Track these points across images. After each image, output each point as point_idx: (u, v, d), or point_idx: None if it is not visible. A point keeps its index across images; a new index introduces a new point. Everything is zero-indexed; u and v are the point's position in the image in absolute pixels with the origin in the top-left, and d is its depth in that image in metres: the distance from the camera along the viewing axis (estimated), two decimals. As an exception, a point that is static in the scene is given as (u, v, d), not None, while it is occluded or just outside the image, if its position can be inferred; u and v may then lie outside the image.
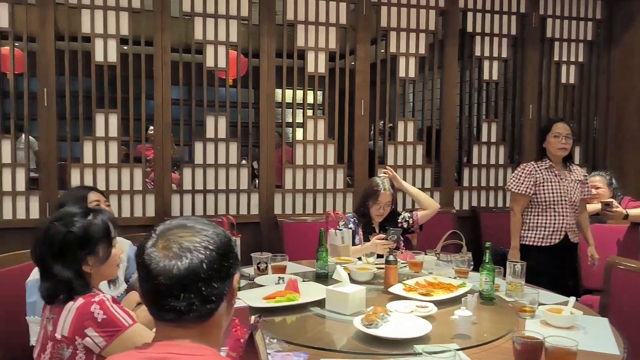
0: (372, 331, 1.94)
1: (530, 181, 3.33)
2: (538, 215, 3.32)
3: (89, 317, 1.57)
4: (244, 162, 4.30)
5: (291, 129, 4.40)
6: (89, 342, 1.57)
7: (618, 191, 3.95)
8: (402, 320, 2.05)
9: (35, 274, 2.14)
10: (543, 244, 3.30)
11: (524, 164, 3.44)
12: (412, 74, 4.53)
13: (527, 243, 3.33)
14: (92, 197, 2.36)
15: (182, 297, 1.04)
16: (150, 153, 4.18)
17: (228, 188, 4.15)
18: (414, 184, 4.54)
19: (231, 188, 4.16)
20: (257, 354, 1.47)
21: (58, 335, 1.58)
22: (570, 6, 4.90)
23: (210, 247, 1.07)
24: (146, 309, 1.90)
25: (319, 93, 4.39)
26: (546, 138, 3.37)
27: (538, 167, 3.36)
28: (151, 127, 4.29)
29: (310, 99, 4.31)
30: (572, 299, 2.20)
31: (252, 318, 1.69)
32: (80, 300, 1.60)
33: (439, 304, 2.26)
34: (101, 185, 3.80)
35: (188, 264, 1.04)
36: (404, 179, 4.49)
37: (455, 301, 2.34)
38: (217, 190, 4.13)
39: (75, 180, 3.84)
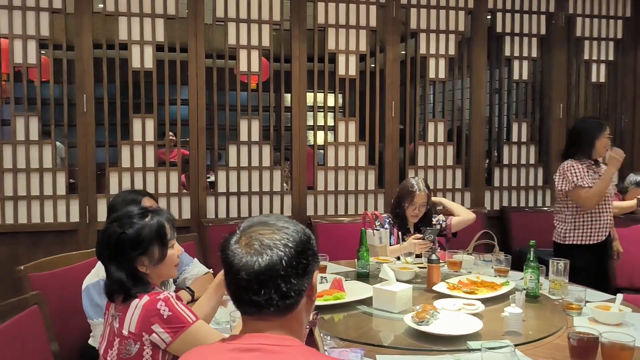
0: (424, 328, 1.97)
1: (587, 175, 3.26)
2: (585, 214, 3.29)
3: (155, 314, 1.62)
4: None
5: (318, 131, 4.39)
6: (155, 338, 1.62)
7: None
8: (452, 317, 2.07)
9: (89, 279, 2.21)
10: (591, 242, 3.28)
11: (570, 162, 3.29)
12: (441, 74, 4.55)
13: (574, 242, 3.30)
14: (146, 203, 2.41)
15: (262, 292, 1.09)
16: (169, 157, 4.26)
17: (261, 190, 4.20)
18: (444, 185, 4.58)
19: (264, 190, 4.21)
20: (316, 349, 1.51)
21: (125, 332, 1.64)
22: (600, 5, 4.88)
23: (290, 244, 1.11)
24: (199, 308, 1.95)
25: (349, 95, 4.41)
26: (599, 137, 3.28)
27: (581, 165, 3.31)
28: (170, 133, 4.34)
29: (341, 102, 4.35)
30: (620, 296, 2.21)
31: (311, 315, 1.74)
32: (145, 298, 1.65)
33: (485, 301, 2.28)
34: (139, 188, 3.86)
35: (268, 260, 1.08)
36: (435, 180, 4.54)
37: (501, 299, 2.37)
38: (250, 192, 4.18)
39: (113, 184, 3.92)
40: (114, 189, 3.91)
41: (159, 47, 3.98)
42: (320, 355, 1.12)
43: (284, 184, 4.39)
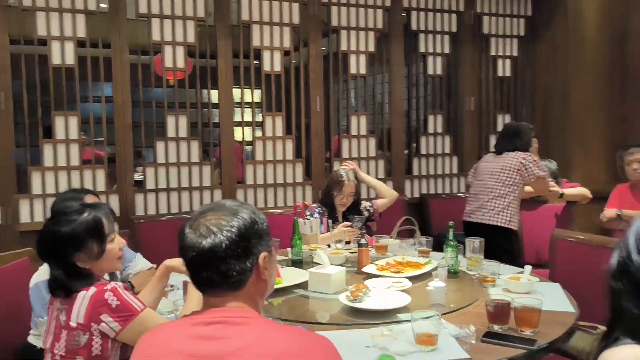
0: (358, 305, 2.13)
1: None
2: (518, 200, 3.64)
3: (103, 304, 1.67)
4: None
5: (245, 127, 4.47)
6: (104, 328, 1.67)
7: (557, 175, 4.33)
8: (383, 294, 2.26)
9: (37, 277, 2.19)
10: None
11: (528, 154, 3.64)
12: (362, 70, 4.75)
13: (513, 228, 3.59)
14: (88, 200, 2.41)
15: (204, 273, 1.21)
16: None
17: (191, 186, 4.23)
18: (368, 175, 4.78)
19: (194, 185, 4.24)
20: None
21: (73, 324, 1.67)
22: (504, 4, 5.28)
23: (233, 229, 1.21)
24: (142, 299, 2.01)
25: (275, 90, 4.51)
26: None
27: None
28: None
29: (266, 97, 4.46)
30: (528, 268, 2.48)
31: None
32: (92, 289, 1.69)
33: (411, 279, 2.49)
34: (64, 188, 3.77)
35: (209, 243, 1.19)
36: (355, 172, 4.73)
37: (425, 276, 2.58)
38: (180, 188, 4.20)
39: (36, 184, 3.81)
40: (37, 189, 3.80)
41: (80, 43, 3.89)
42: (278, 325, 1.23)
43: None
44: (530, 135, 3.73)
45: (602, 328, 2.19)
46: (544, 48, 5.33)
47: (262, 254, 1.26)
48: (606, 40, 5.01)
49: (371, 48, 4.77)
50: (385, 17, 4.84)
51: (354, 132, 4.77)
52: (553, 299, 2.24)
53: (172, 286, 2.29)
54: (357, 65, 4.74)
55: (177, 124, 4.18)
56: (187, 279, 2.03)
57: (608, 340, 1.38)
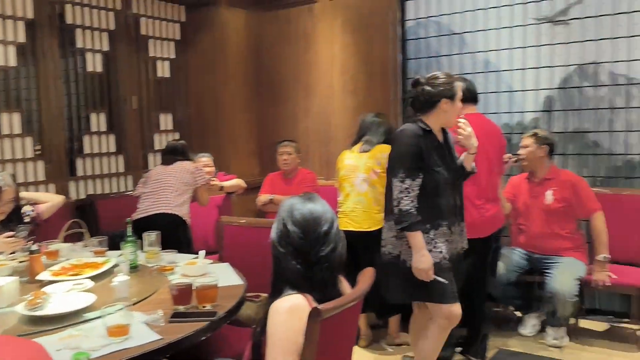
0: (39, 312, 2.06)
1: None
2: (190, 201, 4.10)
3: None
4: None
5: None
6: None
7: (215, 168, 4.80)
8: (65, 298, 2.22)
9: None
10: None
11: None
12: (12, 62, 4.31)
13: (188, 221, 3.98)
14: None
15: None
16: None
17: None
18: (25, 179, 4.39)
19: None
20: None
21: None
22: (160, 8, 5.49)
23: None
24: None
25: None
26: None
27: None
28: None
29: None
30: (203, 252, 2.76)
31: None
32: None
33: (93, 279, 2.50)
34: None
35: None
36: (14, 174, 4.31)
37: (107, 274, 2.62)
38: None
39: None
40: None
41: None
42: None
43: None
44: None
45: (264, 295, 2.64)
46: (197, 53, 5.75)
47: None
48: (246, 51, 5.76)
49: (21, 39, 4.36)
50: (36, 6, 4.48)
51: (5, 131, 4.30)
52: (225, 277, 2.57)
53: None
54: (6, 56, 4.27)
55: None
56: None
57: (274, 294, 1.76)
